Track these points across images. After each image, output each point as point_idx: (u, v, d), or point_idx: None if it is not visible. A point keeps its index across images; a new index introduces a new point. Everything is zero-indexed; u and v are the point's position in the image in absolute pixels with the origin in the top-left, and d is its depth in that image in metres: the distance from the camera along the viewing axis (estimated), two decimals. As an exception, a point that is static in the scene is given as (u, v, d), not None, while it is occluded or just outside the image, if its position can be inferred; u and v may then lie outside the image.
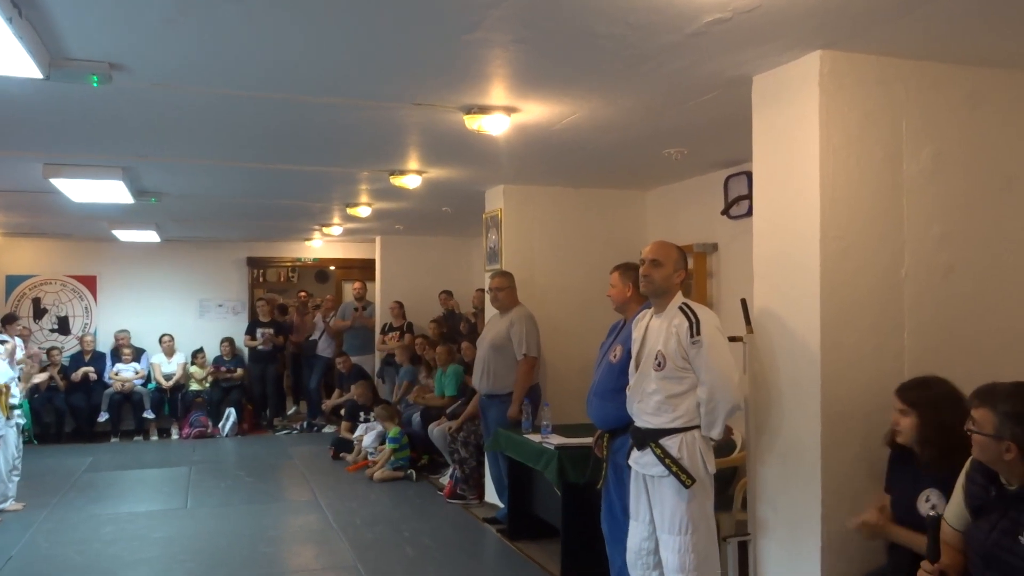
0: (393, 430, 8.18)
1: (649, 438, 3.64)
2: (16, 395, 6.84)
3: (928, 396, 3.13)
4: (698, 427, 3.58)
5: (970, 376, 2.95)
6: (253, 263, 12.53)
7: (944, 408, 3.08)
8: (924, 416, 3.10)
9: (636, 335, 3.87)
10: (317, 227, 10.41)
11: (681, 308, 3.64)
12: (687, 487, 3.54)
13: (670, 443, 3.58)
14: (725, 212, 5.88)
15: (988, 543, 2.58)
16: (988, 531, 2.61)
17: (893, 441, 3.25)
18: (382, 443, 8.44)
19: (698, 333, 3.53)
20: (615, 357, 4.30)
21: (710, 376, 3.51)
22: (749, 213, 5.22)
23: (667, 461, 3.56)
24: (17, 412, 6.84)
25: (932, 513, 2.63)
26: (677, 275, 3.74)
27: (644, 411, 3.70)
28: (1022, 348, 3.63)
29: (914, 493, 3.13)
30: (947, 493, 3.00)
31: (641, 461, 3.71)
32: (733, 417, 3.64)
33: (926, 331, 3.51)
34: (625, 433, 4.17)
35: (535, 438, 5.41)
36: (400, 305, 10.84)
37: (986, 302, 3.63)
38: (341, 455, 8.98)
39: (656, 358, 3.64)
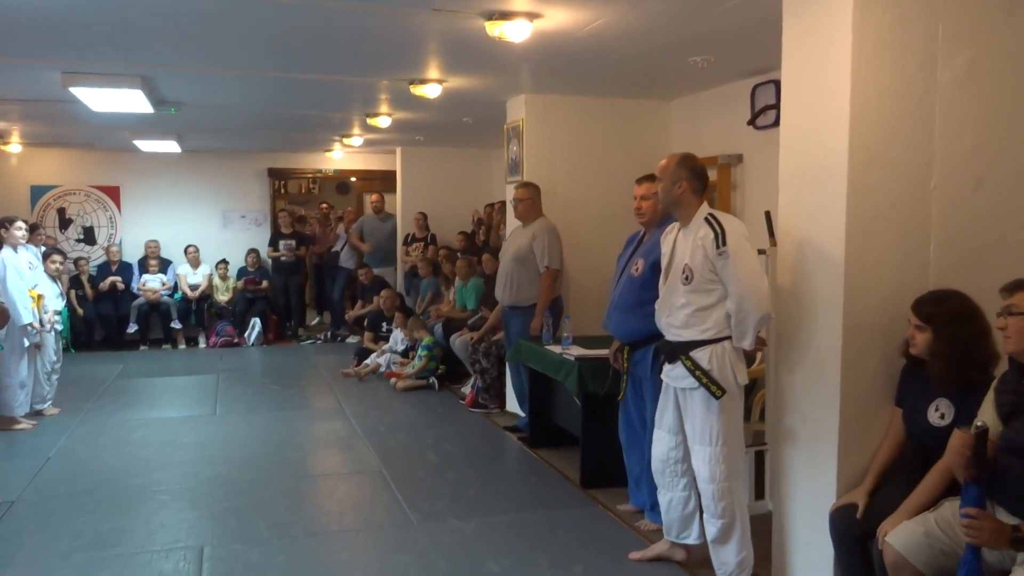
0: (427, 338, 8.29)
1: (679, 351, 3.66)
2: (57, 304, 6.99)
3: (943, 311, 3.11)
4: (728, 338, 3.59)
5: (996, 290, 2.92)
6: (274, 174, 12.52)
7: (958, 322, 3.07)
8: (938, 331, 3.09)
9: (664, 249, 3.85)
10: (337, 138, 10.35)
11: (707, 219, 3.60)
12: (717, 398, 3.57)
13: (700, 355, 3.60)
14: (751, 122, 5.78)
15: None
16: (1023, 427, 2.62)
17: (907, 352, 3.25)
18: (404, 356, 8.55)
19: (724, 244, 3.50)
20: (636, 271, 4.28)
21: (738, 287, 3.49)
22: (776, 123, 5.12)
23: (697, 373, 3.58)
24: (56, 319, 6.99)
25: (978, 424, 2.63)
26: (677, 187, 3.68)
27: (673, 325, 3.70)
28: (1050, 262, 3.58)
29: (925, 404, 3.15)
30: (956, 404, 3.02)
31: (672, 374, 3.73)
32: (764, 328, 3.64)
33: (953, 244, 3.46)
34: (645, 346, 4.20)
35: (556, 349, 5.46)
36: (423, 216, 10.84)
37: (1016, 215, 3.55)
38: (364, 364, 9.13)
39: (684, 272, 3.63)
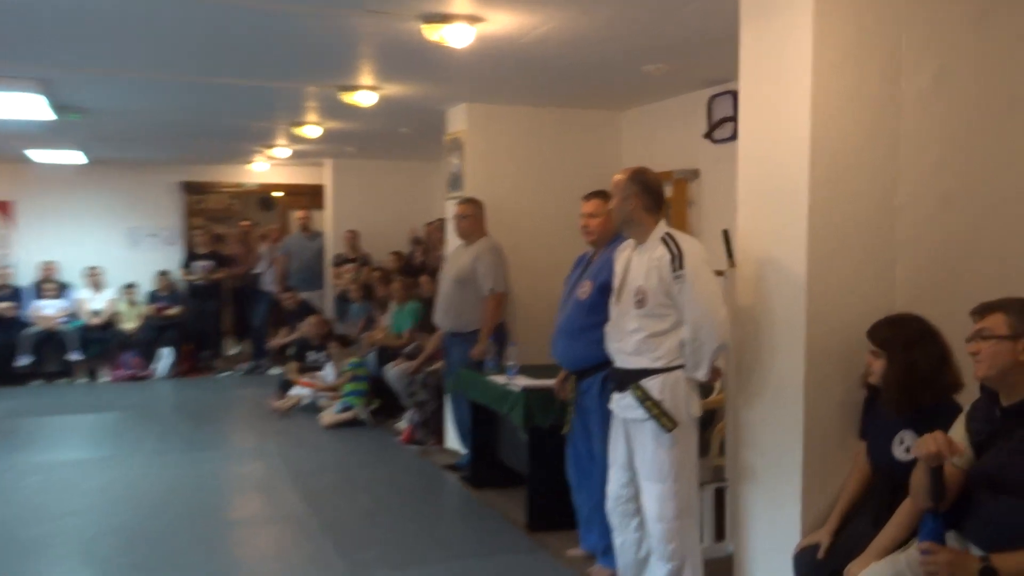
0: (353, 359, 8.25)
1: (630, 379, 3.70)
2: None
3: (899, 335, 3.20)
4: (682, 367, 3.64)
5: (967, 313, 3.00)
6: (189, 188, 12.36)
7: (916, 348, 3.16)
8: (893, 357, 3.18)
9: (617, 268, 3.90)
10: (260, 149, 10.28)
11: (664, 239, 3.65)
12: (668, 431, 3.61)
13: (652, 384, 3.64)
14: (708, 135, 5.89)
15: (1000, 468, 2.65)
16: (996, 456, 2.69)
17: (868, 383, 3.34)
18: (334, 389, 8.48)
19: (681, 267, 3.56)
20: (584, 293, 4.34)
21: (695, 313, 3.55)
22: (734, 137, 5.22)
23: (648, 404, 3.62)
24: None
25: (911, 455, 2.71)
26: (628, 204, 3.75)
27: (624, 350, 3.75)
28: (1023, 282, 3.71)
29: (888, 437, 3.22)
30: (921, 435, 3.09)
31: (621, 404, 3.77)
32: (720, 357, 3.70)
33: (920, 264, 3.57)
34: (593, 374, 4.25)
35: (500, 379, 5.47)
36: (355, 235, 10.80)
37: (985, 233, 3.68)
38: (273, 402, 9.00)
39: (637, 294, 3.67)
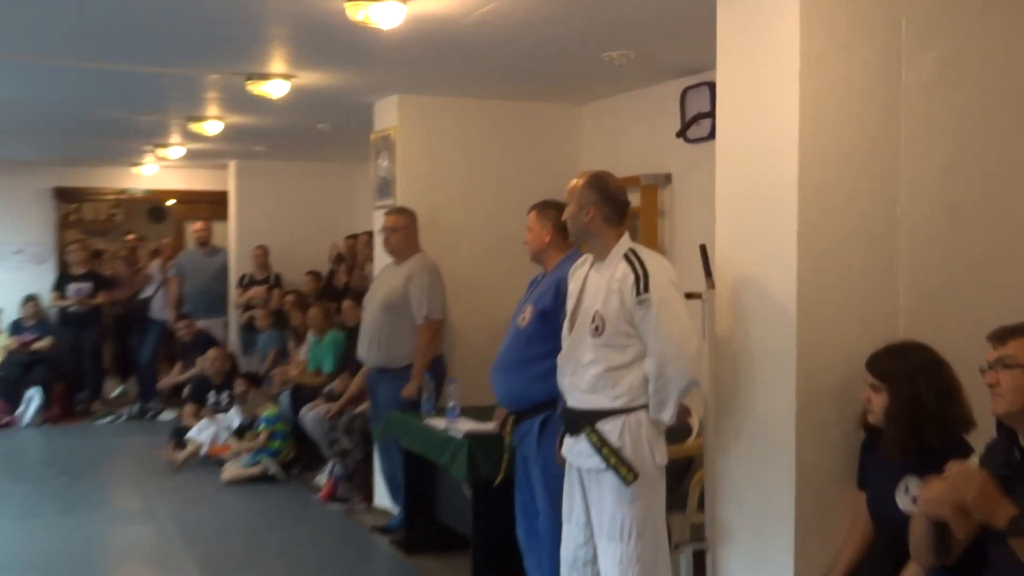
0: (270, 409, 8.14)
1: (584, 421, 3.71)
2: None
3: (901, 366, 3.27)
4: (645, 407, 3.66)
5: (979, 341, 3.05)
6: (63, 195, 12.22)
7: (920, 380, 3.23)
8: (895, 390, 3.24)
9: (572, 287, 3.92)
10: (150, 148, 10.19)
11: (626, 256, 3.68)
12: (628, 483, 3.62)
13: (609, 428, 3.65)
14: (681, 134, 5.95)
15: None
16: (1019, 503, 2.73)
17: (866, 422, 3.39)
18: (240, 435, 8.37)
19: (646, 289, 3.58)
20: (523, 321, 4.39)
21: (660, 344, 3.58)
22: (711, 135, 5.30)
23: (605, 451, 3.63)
24: None
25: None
26: (584, 214, 3.78)
27: (578, 387, 3.76)
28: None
29: (891, 485, 3.28)
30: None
31: (575, 450, 3.78)
32: (689, 395, 3.73)
33: (926, 285, 3.65)
34: (534, 416, 4.31)
35: (439, 424, 5.46)
36: (264, 251, 10.75)
37: (1000, 248, 3.77)
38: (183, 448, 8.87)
39: (593, 320, 3.69)
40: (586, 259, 3.94)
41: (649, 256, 3.71)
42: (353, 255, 9.87)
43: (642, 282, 3.60)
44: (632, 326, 3.63)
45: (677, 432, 4.65)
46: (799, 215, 3.47)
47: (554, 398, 4.02)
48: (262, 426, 8.10)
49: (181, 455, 8.47)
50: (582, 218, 3.79)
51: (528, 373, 4.22)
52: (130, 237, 12.38)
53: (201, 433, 8.56)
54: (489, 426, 5.03)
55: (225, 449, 8.23)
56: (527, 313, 4.40)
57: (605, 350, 3.67)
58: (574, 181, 3.88)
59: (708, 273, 3.90)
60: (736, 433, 3.77)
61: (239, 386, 8.67)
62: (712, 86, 5.35)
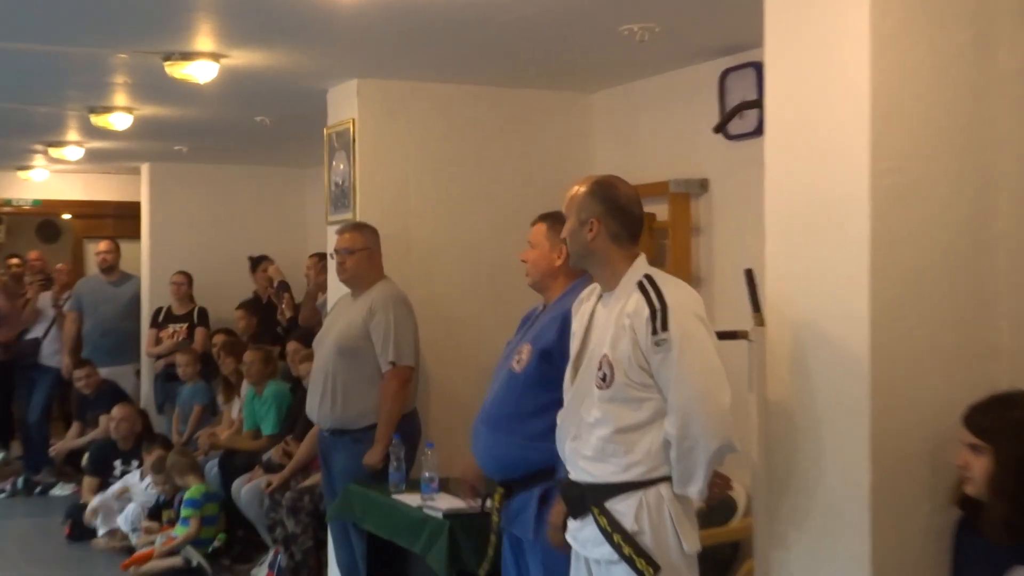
0: (194, 487, 8.08)
1: (590, 499, 3.70)
2: None
3: (1009, 423, 3.27)
4: (668, 480, 3.65)
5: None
6: (-75, 207, 12.29)
7: None
8: (1002, 453, 3.24)
9: (575, 326, 3.93)
10: (40, 147, 10.23)
11: (640, 285, 3.68)
12: (648, 579, 3.62)
13: (622, 507, 3.63)
14: (720, 129, 5.97)
15: None
16: None
17: (963, 497, 3.39)
18: (154, 518, 8.35)
19: (664, 327, 3.56)
20: (519, 363, 4.38)
21: (683, 396, 3.56)
22: (759, 131, 5.32)
23: (617, 538, 3.61)
24: None
25: None
26: (587, 231, 3.77)
27: (582, 453, 3.75)
28: None
29: (995, 576, 3.28)
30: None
31: (580, 536, 3.76)
32: (724, 462, 3.72)
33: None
34: (527, 488, 4.28)
35: (411, 500, 5.46)
36: (186, 279, 10.72)
37: None
38: (84, 535, 8.85)
39: (600, 368, 3.69)
40: (592, 290, 3.95)
41: (669, 284, 3.70)
42: (308, 283, 9.75)
43: (659, 317, 3.57)
44: (648, 374, 3.61)
45: (717, 510, 4.66)
46: (871, 232, 3.46)
47: (556, 464, 4.00)
48: (188, 510, 8.03)
49: (109, 542, 8.50)
50: (584, 236, 3.79)
51: (522, 431, 4.20)
52: (12, 261, 12.36)
53: (120, 518, 8.54)
54: (475, 503, 5.03)
55: (141, 557, 8.09)
56: (523, 354, 4.38)
57: (615, 406, 3.66)
58: (575, 189, 3.89)
59: (756, 306, 3.90)
60: (794, 515, 3.75)
61: (150, 454, 8.63)
62: (759, 68, 5.35)
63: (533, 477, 4.24)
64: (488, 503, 4.67)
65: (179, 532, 8.04)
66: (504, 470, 4.42)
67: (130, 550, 8.23)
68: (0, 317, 11.69)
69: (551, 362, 4.16)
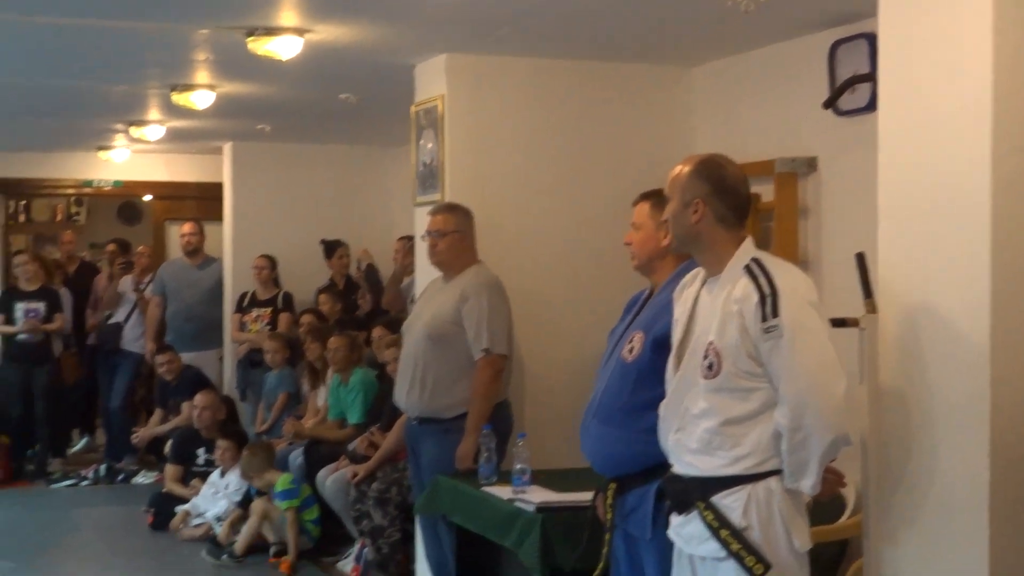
0: (281, 479, 8.10)
1: (695, 493, 3.69)
2: None
3: None
4: (778, 473, 3.62)
5: None
6: (6, 189, 12.48)
7: None
8: None
9: (678, 313, 3.91)
10: (121, 127, 10.30)
11: (748, 269, 3.65)
12: (757, 576, 3.60)
13: (730, 502, 3.62)
14: (830, 104, 5.91)
15: None
16: None
17: None
18: (245, 505, 8.42)
19: (775, 313, 3.53)
20: (631, 353, 4.33)
21: (795, 387, 3.53)
22: (872, 106, 5.25)
23: (724, 534, 3.59)
24: None
25: None
26: (692, 212, 3.74)
27: (686, 446, 3.74)
28: None
29: None
30: None
31: (684, 532, 3.75)
32: (842, 456, 3.67)
33: None
34: (643, 484, 4.23)
35: (502, 493, 5.46)
36: (269, 263, 10.78)
37: None
38: (169, 523, 8.96)
39: (706, 356, 3.67)
40: (696, 274, 3.91)
41: (779, 268, 3.67)
42: (397, 266, 9.73)
43: (769, 303, 3.54)
44: (757, 363, 3.59)
45: (826, 507, 4.60)
46: (992, 215, 3.41)
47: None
48: (283, 504, 8.03)
49: (192, 531, 8.63)
50: (688, 218, 3.76)
51: (636, 424, 4.14)
52: (110, 247, 12.32)
53: (207, 506, 8.64)
54: (572, 497, 5.01)
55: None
56: (635, 342, 4.32)
57: (722, 396, 3.64)
58: (678, 168, 3.85)
59: (868, 293, 3.86)
60: (906, 513, 3.72)
61: (222, 448, 8.68)
62: (872, 39, 5.29)
63: (648, 473, 4.16)
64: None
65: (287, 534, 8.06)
66: (617, 466, 4.35)
67: (212, 539, 8.31)
68: (95, 300, 11.87)
69: (665, 351, 4.08)
